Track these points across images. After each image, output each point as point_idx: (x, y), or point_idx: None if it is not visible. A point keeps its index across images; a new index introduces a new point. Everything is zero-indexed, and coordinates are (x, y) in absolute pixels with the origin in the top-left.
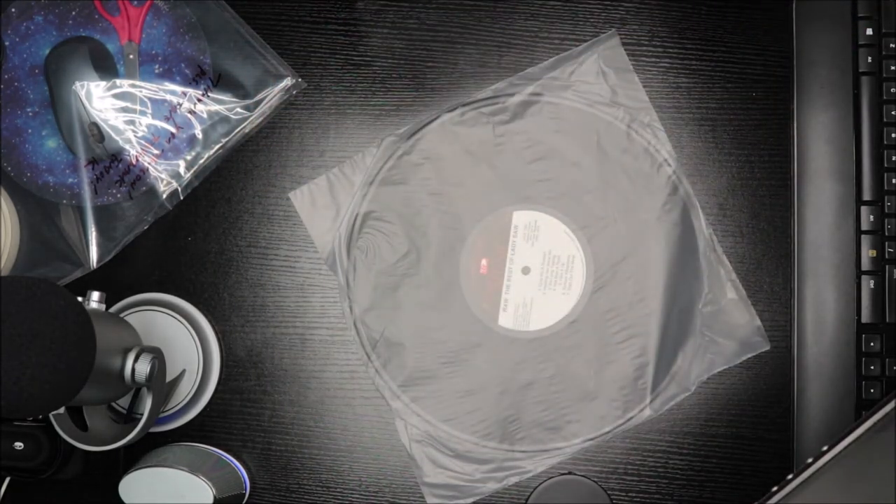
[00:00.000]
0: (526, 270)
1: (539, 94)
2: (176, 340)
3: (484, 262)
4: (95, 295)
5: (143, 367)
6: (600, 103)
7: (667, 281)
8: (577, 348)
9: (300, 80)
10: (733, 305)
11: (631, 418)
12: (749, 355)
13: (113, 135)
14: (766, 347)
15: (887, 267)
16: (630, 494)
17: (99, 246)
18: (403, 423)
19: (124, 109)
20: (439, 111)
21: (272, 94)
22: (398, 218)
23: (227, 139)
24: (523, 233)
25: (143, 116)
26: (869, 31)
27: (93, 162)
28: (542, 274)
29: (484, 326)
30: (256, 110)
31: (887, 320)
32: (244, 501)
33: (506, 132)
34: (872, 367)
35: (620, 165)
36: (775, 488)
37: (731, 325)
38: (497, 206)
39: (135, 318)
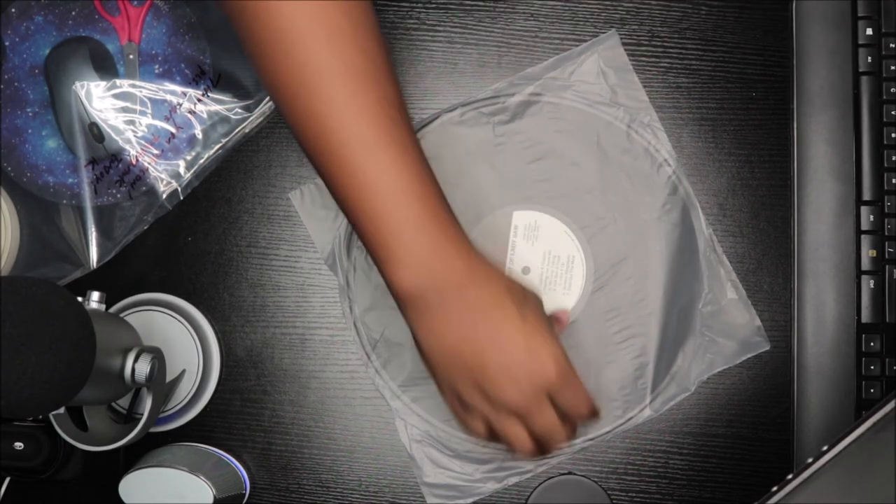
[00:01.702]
0: (526, 270)
1: (539, 94)
2: (176, 340)
3: None
4: (95, 295)
5: (143, 367)
6: (600, 103)
7: (667, 281)
8: (577, 348)
9: None
10: (733, 305)
11: (631, 418)
12: (749, 355)
13: (113, 135)
14: (767, 347)
15: (887, 267)
16: (630, 494)
17: (99, 246)
18: (403, 422)
19: (124, 109)
20: (439, 111)
21: None
22: None
23: (227, 139)
24: (523, 233)
25: (143, 116)
26: (869, 31)
27: (93, 162)
28: (542, 274)
29: None
30: (256, 110)
31: (887, 320)
32: (244, 501)
33: (506, 132)
34: (872, 367)
35: (620, 165)
36: (775, 488)
37: (731, 325)
38: (497, 207)
39: (135, 318)
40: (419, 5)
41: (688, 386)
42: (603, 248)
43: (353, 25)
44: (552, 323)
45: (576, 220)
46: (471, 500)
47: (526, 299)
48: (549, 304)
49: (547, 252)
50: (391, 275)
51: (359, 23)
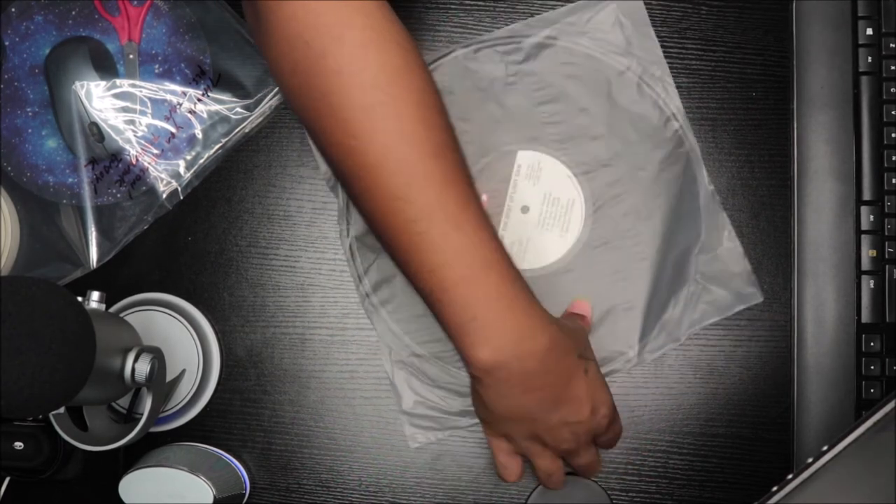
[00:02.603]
0: (525, 209)
1: (554, 37)
2: (176, 340)
3: (484, 197)
4: (95, 295)
5: (143, 367)
6: (614, 52)
7: (664, 230)
8: (570, 291)
9: None
10: (728, 255)
11: (619, 366)
12: (742, 307)
13: (113, 135)
14: (760, 299)
15: (887, 267)
16: (630, 494)
17: (99, 246)
18: (388, 349)
19: (124, 109)
20: (454, 47)
21: (272, 94)
22: None
23: (227, 139)
24: (526, 172)
25: (143, 116)
26: (869, 31)
27: (93, 162)
28: (540, 214)
29: None
30: (256, 110)
31: (887, 320)
32: (244, 501)
33: (518, 72)
34: (872, 367)
35: (628, 115)
36: (775, 488)
37: (725, 273)
38: (502, 145)
39: (135, 318)
40: (419, 5)
41: (678, 336)
42: (604, 194)
43: (426, 95)
44: (579, 321)
45: (579, 165)
46: (447, 432)
47: (586, 349)
48: (546, 245)
49: (547, 193)
50: (472, 353)
51: (431, 90)
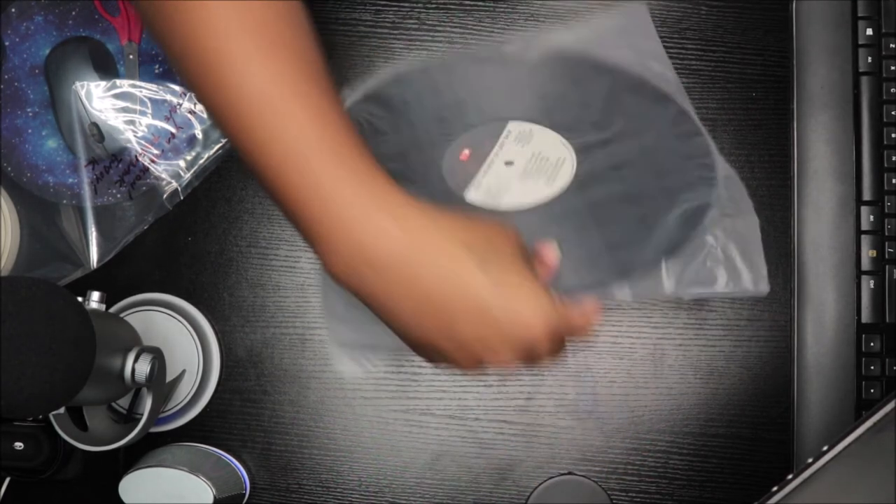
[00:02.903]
0: (509, 164)
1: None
2: (176, 340)
3: (466, 151)
4: (95, 295)
5: (143, 367)
6: (616, 46)
7: (662, 187)
8: (548, 234)
9: None
10: (746, 229)
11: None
12: (739, 292)
13: (113, 135)
14: (766, 290)
15: (887, 267)
16: (630, 494)
17: (99, 246)
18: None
19: (124, 109)
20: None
21: None
22: (389, 110)
23: (227, 139)
24: (515, 136)
25: (143, 116)
26: (869, 31)
27: (93, 162)
28: (525, 168)
29: (453, 196)
30: None
31: (887, 320)
32: (244, 501)
33: (517, 50)
34: (872, 367)
35: (628, 103)
36: (775, 488)
37: (739, 242)
38: (494, 116)
39: (135, 318)
40: (419, 5)
41: (663, 289)
42: (598, 158)
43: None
44: (535, 265)
45: (573, 132)
46: (384, 364)
47: (493, 249)
48: (528, 190)
49: (537, 153)
50: (323, 262)
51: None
